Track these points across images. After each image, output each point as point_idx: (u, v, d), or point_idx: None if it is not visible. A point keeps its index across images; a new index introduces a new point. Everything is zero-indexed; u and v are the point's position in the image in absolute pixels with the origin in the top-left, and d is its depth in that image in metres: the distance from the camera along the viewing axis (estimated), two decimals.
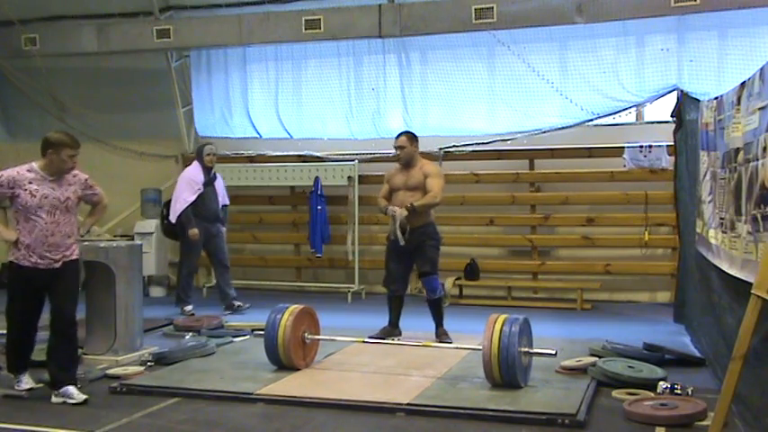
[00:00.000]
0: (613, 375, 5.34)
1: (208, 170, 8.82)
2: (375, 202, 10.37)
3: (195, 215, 8.65)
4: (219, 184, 9.07)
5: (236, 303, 8.92)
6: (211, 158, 8.82)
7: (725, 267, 4.91)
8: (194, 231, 8.59)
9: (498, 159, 10.01)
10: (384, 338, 6.68)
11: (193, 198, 8.66)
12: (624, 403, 4.80)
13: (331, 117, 10.48)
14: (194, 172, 8.82)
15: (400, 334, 7.01)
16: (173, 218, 8.79)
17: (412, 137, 7.11)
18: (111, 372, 5.84)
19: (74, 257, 5.30)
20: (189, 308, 8.77)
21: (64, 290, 5.24)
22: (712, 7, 8.17)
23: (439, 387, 5.33)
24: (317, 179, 10.08)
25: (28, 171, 5.16)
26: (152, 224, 10.63)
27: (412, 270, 7.23)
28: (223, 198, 9.13)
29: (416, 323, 8.11)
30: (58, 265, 5.18)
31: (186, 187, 8.73)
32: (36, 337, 5.43)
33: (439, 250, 7.08)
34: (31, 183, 5.10)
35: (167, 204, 9.51)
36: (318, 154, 10.58)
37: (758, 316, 3.63)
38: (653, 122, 9.59)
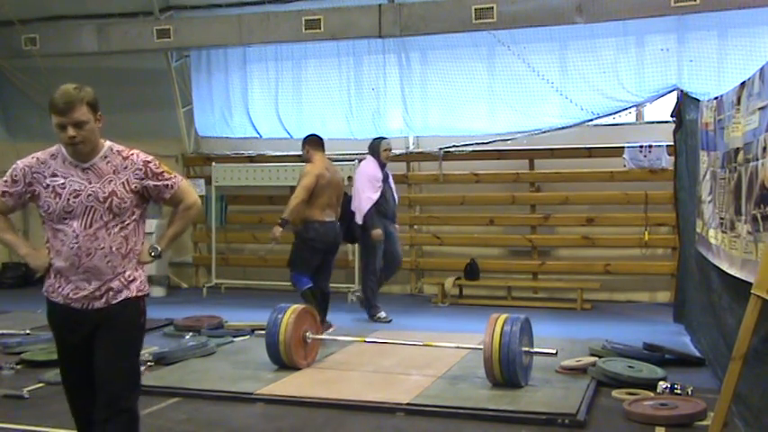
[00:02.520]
0: (613, 375, 5.34)
1: (383, 166, 8.29)
2: None
3: (377, 213, 8.11)
4: (391, 180, 8.51)
5: (381, 314, 8.30)
6: (387, 154, 8.29)
7: (725, 267, 4.91)
8: (378, 232, 8.01)
9: (498, 159, 10.01)
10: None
11: (377, 196, 8.08)
12: (624, 403, 4.80)
13: (331, 117, 10.48)
14: (372, 168, 8.20)
15: (330, 327, 7.15)
16: (359, 219, 8.07)
17: (303, 141, 7.43)
18: None
19: (132, 295, 3.33)
20: (383, 314, 8.20)
21: (110, 352, 3.29)
22: (712, 7, 8.16)
23: (439, 387, 5.33)
24: None
25: (52, 157, 3.33)
26: (152, 224, 10.58)
27: (320, 267, 7.27)
28: (397, 195, 8.64)
29: (417, 323, 8.12)
30: (100, 303, 3.27)
31: (368, 185, 8.11)
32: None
33: (304, 248, 7.15)
34: (55, 175, 3.28)
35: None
36: None
37: (758, 316, 3.63)
38: (653, 122, 9.59)
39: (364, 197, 8.05)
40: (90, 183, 3.27)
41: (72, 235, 3.24)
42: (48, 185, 3.27)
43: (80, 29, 10.64)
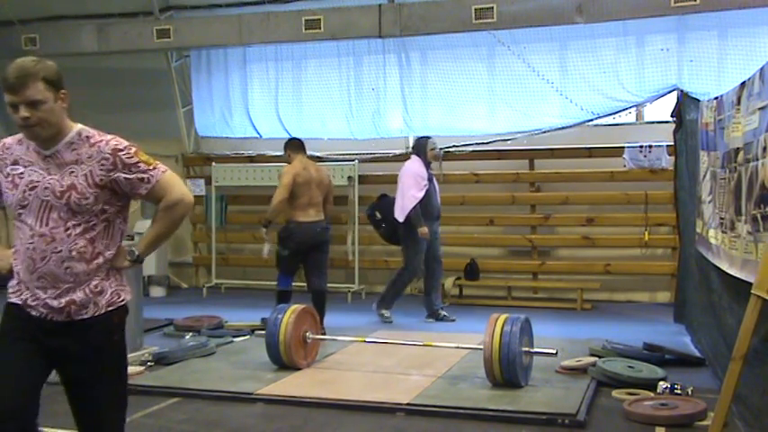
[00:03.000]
0: (613, 375, 5.34)
1: (428, 165, 8.26)
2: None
3: (424, 215, 8.04)
4: (435, 180, 8.43)
5: (443, 313, 8.35)
6: (434, 153, 8.28)
7: (725, 267, 4.91)
8: (424, 230, 7.92)
9: (498, 159, 10.01)
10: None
11: (422, 195, 8.01)
12: (624, 403, 4.80)
13: (331, 117, 10.48)
14: (418, 167, 8.16)
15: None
16: (400, 216, 8.04)
17: (284, 144, 7.64)
18: None
19: (100, 311, 2.80)
20: (388, 314, 8.28)
21: (85, 381, 2.84)
22: (712, 7, 8.16)
23: (439, 387, 5.33)
24: None
25: (18, 142, 2.86)
26: None
27: (309, 267, 7.35)
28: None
29: (417, 323, 8.12)
30: (60, 317, 2.76)
31: (413, 183, 8.04)
32: None
33: (280, 248, 7.28)
34: (16, 163, 2.81)
35: (376, 207, 8.88)
36: (318, 154, 10.55)
37: (758, 316, 3.63)
38: (653, 122, 9.59)
39: (409, 195, 8.00)
40: (49, 174, 2.74)
41: (28, 234, 2.75)
42: (8, 174, 2.81)
43: (80, 29, 10.63)
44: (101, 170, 2.75)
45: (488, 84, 9.75)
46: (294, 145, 7.59)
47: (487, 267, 9.87)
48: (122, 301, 2.89)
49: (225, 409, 4.96)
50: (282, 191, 7.15)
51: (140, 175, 2.80)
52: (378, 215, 8.77)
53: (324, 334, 6.96)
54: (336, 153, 10.48)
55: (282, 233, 7.29)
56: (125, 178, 2.77)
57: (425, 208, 8.06)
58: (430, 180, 8.20)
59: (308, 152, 10.53)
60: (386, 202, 8.62)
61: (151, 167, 2.82)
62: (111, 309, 2.83)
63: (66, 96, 2.80)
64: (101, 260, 2.80)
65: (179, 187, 2.88)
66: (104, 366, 2.84)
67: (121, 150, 2.79)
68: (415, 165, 8.21)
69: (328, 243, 7.47)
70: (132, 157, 2.80)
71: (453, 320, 8.18)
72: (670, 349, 6.12)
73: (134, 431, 4.59)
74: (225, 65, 10.91)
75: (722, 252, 5.07)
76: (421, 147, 8.28)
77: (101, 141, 2.80)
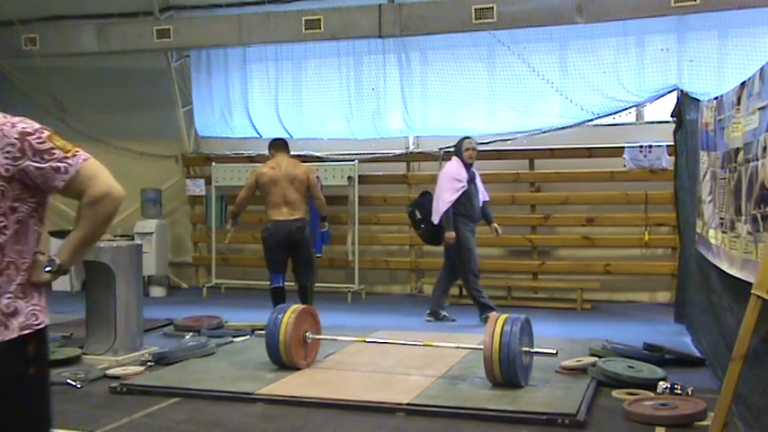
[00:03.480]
0: (613, 375, 5.34)
1: (468, 166, 8.15)
2: (375, 202, 10.47)
3: (461, 214, 7.97)
4: (479, 181, 8.33)
5: (443, 313, 8.29)
6: (471, 153, 8.10)
7: (725, 267, 4.91)
8: (450, 234, 7.90)
9: (498, 159, 10.01)
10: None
11: (455, 197, 7.92)
12: (624, 403, 4.80)
13: (331, 117, 10.49)
14: (455, 168, 8.07)
15: None
16: (436, 219, 8.06)
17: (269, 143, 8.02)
18: (111, 372, 5.83)
19: (12, 335, 2.28)
20: (446, 313, 8.22)
21: None
22: (712, 7, 8.16)
23: (439, 387, 5.33)
24: (317, 179, 10.05)
25: None
26: (152, 224, 10.63)
27: (294, 265, 7.72)
28: (483, 195, 8.35)
29: (417, 323, 8.12)
30: None
31: (448, 187, 7.99)
32: None
33: (263, 248, 7.66)
34: None
35: (416, 205, 8.74)
36: (318, 154, 10.58)
37: (758, 316, 3.63)
38: (653, 122, 9.60)
39: (442, 198, 7.99)
40: None
41: None
42: None
43: (80, 29, 10.63)
44: (6, 159, 2.22)
45: (488, 84, 9.75)
46: (275, 144, 7.84)
47: (487, 267, 9.85)
48: (40, 324, 2.32)
49: (225, 409, 4.96)
50: (244, 190, 7.67)
51: (55, 164, 2.27)
52: (418, 214, 8.64)
53: None
54: (336, 153, 10.48)
55: (262, 233, 7.60)
56: (36, 168, 2.25)
57: (464, 208, 8.00)
58: (471, 181, 8.09)
59: (308, 152, 10.66)
60: (427, 200, 8.48)
61: (69, 155, 2.29)
62: (25, 333, 2.28)
63: None
64: (12, 272, 2.27)
65: (104, 178, 2.34)
66: (15, 410, 2.28)
67: (31, 134, 2.26)
68: (452, 166, 8.14)
69: (306, 240, 7.56)
70: (44, 142, 2.27)
71: (453, 321, 8.18)
72: (670, 349, 6.12)
73: (134, 431, 4.60)
74: (225, 65, 10.92)
75: (722, 252, 5.07)
76: (459, 147, 8.19)
77: (5, 125, 2.25)
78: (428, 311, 8.33)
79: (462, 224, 8.01)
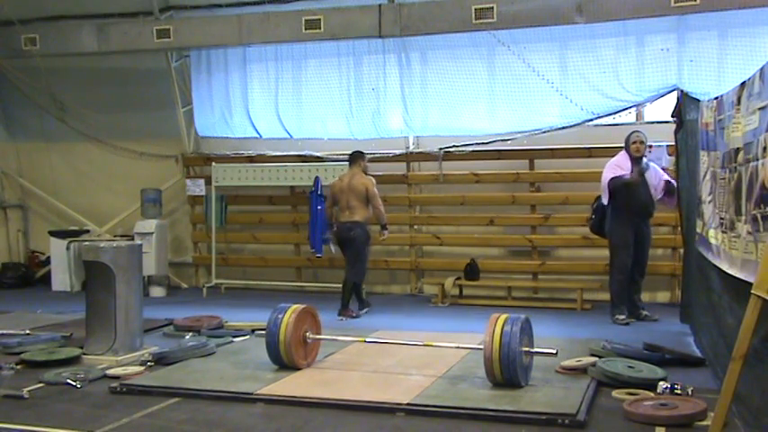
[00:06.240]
0: (613, 375, 5.34)
1: (636, 159, 7.96)
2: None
3: (623, 208, 7.91)
4: (652, 176, 8.07)
5: (644, 313, 8.12)
6: (638, 146, 7.91)
7: (725, 267, 4.91)
8: (634, 176, 7.76)
9: (498, 159, 10.01)
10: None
11: (614, 174, 7.90)
12: (624, 403, 4.80)
13: (331, 117, 10.49)
14: (618, 158, 8.06)
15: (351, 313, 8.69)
16: (605, 199, 8.04)
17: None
18: (111, 372, 5.83)
19: None
20: (623, 317, 7.93)
21: None
22: (712, 7, 8.16)
23: (439, 387, 5.33)
24: (317, 179, 10.08)
25: None
26: (152, 224, 10.63)
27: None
28: (656, 191, 8.09)
29: (417, 323, 8.12)
30: None
31: (609, 173, 7.97)
32: None
33: (332, 243, 9.19)
34: None
35: (596, 200, 8.49)
36: (318, 154, 10.59)
37: (758, 316, 3.63)
38: (653, 122, 9.58)
39: (604, 177, 8.00)
40: None
41: None
42: None
43: (80, 29, 10.63)
44: None
45: (488, 84, 9.75)
46: (351, 156, 8.98)
47: (487, 267, 9.87)
48: None
49: (225, 409, 4.96)
50: (327, 200, 9.22)
51: None
52: (593, 206, 8.58)
53: (353, 316, 8.57)
54: (336, 153, 10.47)
55: (330, 231, 9.27)
56: None
57: (626, 200, 7.91)
58: (641, 174, 7.94)
59: (307, 152, 10.66)
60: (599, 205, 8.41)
61: None
62: None
63: None
64: None
65: None
66: None
67: None
68: (616, 157, 8.13)
69: (355, 240, 8.65)
70: None
71: (656, 320, 7.99)
72: (670, 349, 6.12)
73: (134, 431, 4.60)
74: (225, 65, 10.91)
75: (722, 252, 5.07)
76: (625, 141, 8.09)
77: None
78: (626, 314, 8.01)
79: (623, 216, 7.91)
